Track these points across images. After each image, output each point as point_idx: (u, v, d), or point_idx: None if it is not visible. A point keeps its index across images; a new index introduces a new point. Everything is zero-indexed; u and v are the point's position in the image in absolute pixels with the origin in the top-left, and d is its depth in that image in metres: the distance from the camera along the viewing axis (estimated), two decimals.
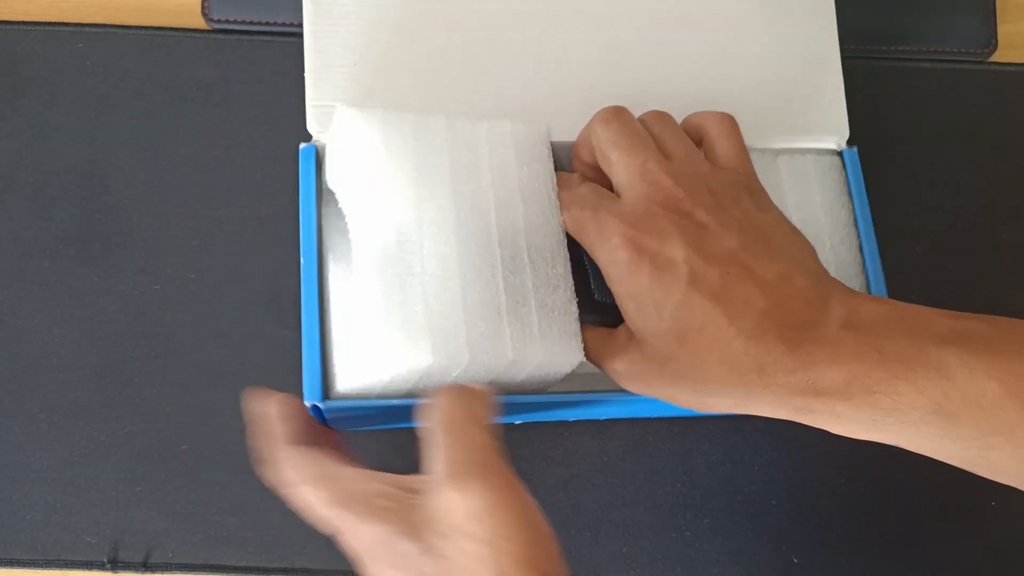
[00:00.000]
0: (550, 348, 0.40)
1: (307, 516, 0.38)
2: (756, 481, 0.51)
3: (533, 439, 0.51)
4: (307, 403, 0.40)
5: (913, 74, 0.55)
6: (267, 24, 0.55)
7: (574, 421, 0.51)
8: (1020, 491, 0.52)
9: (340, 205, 0.41)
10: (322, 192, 0.45)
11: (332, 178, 0.43)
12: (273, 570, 0.50)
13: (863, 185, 0.48)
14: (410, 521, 0.34)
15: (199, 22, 0.55)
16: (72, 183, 0.53)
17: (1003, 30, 0.56)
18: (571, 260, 0.42)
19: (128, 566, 0.50)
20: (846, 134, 0.49)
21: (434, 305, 0.38)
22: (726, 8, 0.50)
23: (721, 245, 0.37)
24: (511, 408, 0.43)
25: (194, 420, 0.51)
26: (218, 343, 0.52)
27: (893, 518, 0.51)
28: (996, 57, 0.56)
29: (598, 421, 0.51)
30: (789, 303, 0.37)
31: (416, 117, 0.41)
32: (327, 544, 0.51)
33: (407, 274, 0.38)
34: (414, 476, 0.36)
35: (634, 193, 0.39)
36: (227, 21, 0.55)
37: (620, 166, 0.40)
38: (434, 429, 0.35)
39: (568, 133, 0.44)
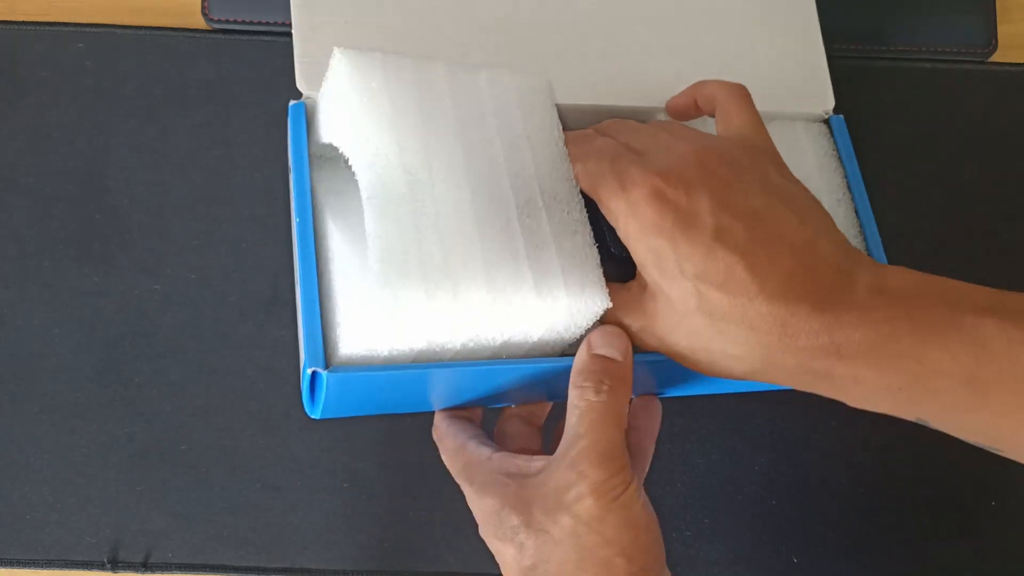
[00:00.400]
0: (576, 294, 0.37)
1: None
2: (756, 481, 0.51)
3: None
4: (308, 370, 0.37)
5: (913, 74, 0.55)
6: (267, 24, 0.55)
7: None
8: (1020, 491, 0.52)
9: (343, 153, 0.38)
10: (313, 154, 0.42)
11: (328, 131, 0.40)
12: (273, 570, 0.50)
13: (852, 151, 0.48)
14: (520, 497, 0.36)
15: (199, 22, 0.55)
16: (72, 183, 0.53)
17: (1003, 30, 0.56)
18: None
19: (128, 566, 0.50)
20: (832, 103, 0.49)
21: (451, 248, 0.36)
22: None
23: (747, 202, 0.36)
24: (518, 379, 0.41)
25: (194, 420, 0.51)
26: (218, 343, 0.52)
27: (893, 518, 0.51)
28: (996, 57, 0.56)
29: None
30: (817, 266, 0.36)
31: (415, 61, 0.39)
32: (327, 544, 0.51)
33: (420, 215, 0.36)
34: (542, 456, 0.37)
35: (660, 155, 0.38)
36: (227, 21, 0.55)
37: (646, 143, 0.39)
38: (582, 414, 0.36)
39: (565, 97, 0.43)
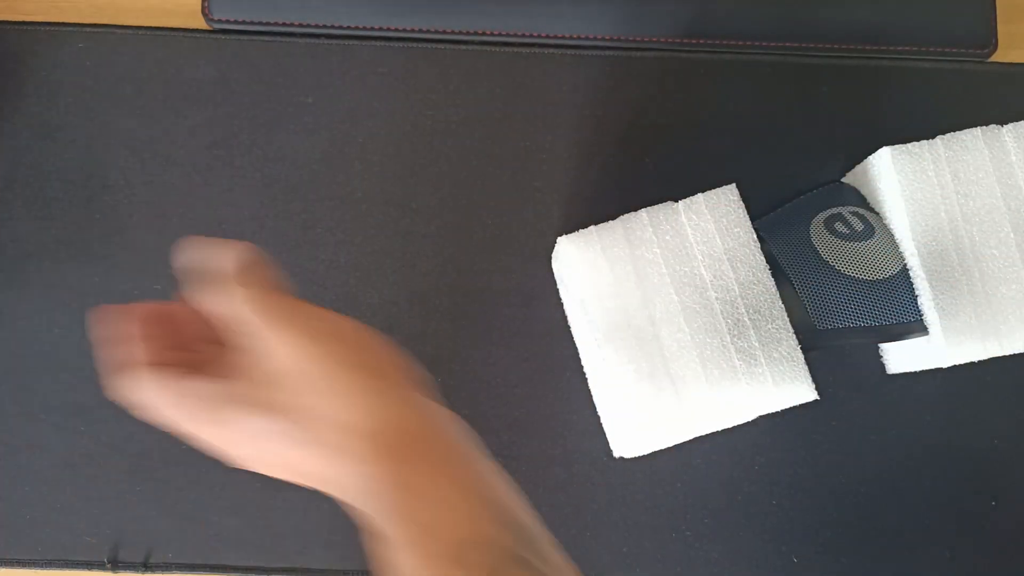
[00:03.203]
0: (786, 396, 0.45)
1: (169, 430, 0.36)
2: (756, 481, 0.51)
3: (533, 439, 0.52)
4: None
5: (913, 74, 0.55)
6: (267, 24, 0.55)
7: (574, 419, 0.51)
8: (1020, 491, 0.52)
9: (585, 315, 0.47)
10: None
11: (570, 300, 0.51)
12: (273, 570, 0.50)
13: None
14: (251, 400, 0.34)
15: (199, 22, 0.55)
16: (72, 183, 0.53)
17: (1003, 30, 0.56)
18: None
19: (128, 566, 0.50)
20: None
21: (680, 384, 0.45)
22: None
23: None
24: None
25: None
26: None
27: (893, 518, 0.51)
28: (996, 57, 0.56)
29: (598, 422, 0.51)
30: None
31: (622, 221, 0.47)
32: (327, 544, 0.51)
33: (653, 361, 0.45)
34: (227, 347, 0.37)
35: None
36: (227, 21, 0.55)
37: None
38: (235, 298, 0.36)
39: None
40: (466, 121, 0.54)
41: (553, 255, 0.51)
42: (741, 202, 0.47)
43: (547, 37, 0.54)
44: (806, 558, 0.51)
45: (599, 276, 0.46)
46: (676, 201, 0.47)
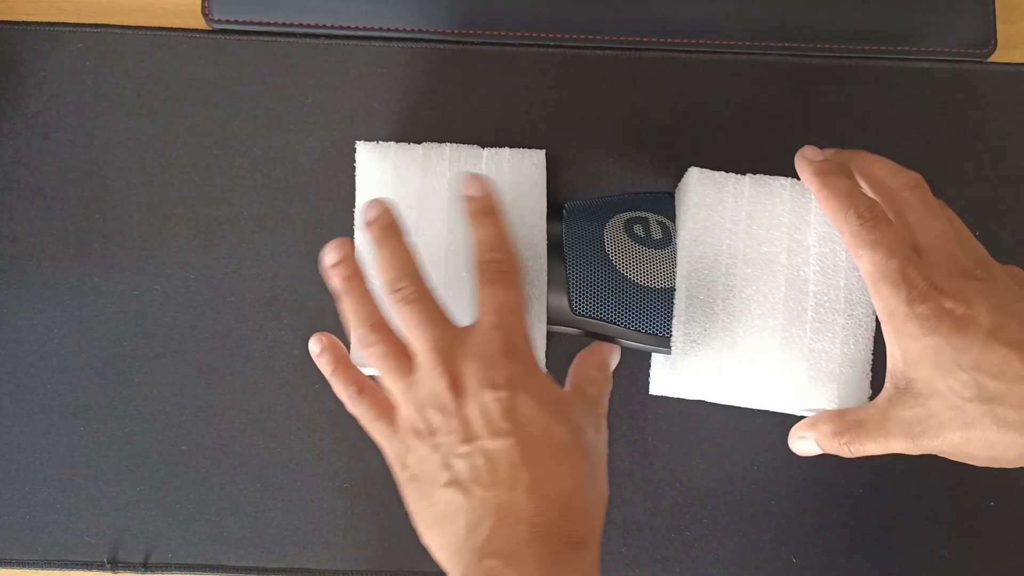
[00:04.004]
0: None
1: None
2: (756, 481, 0.51)
3: None
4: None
5: (913, 74, 0.55)
6: (267, 24, 0.55)
7: None
8: (1020, 491, 0.52)
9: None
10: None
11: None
12: (273, 570, 0.50)
13: None
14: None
15: (199, 22, 0.55)
16: (72, 183, 0.53)
17: (1003, 30, 0.56)
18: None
19: (128, 566, 0.50)
20: None
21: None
22: None
23: (1016, 305, 0.42)
24: None
25: (194, 420, 0.51)
26: (218, 343, 0.52)
27: (892, 518, 0.51)
28: (996, 57, 0.55)
29: None
30: None
31: (425, 147, 0.49)
32: (327, 544, 0.51)
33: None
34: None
35: (941, 259, 0.43)
36: (227, 21, 0.55)
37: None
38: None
39: None
40: (466, 121, 0.54)
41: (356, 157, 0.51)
42: (544, 170, 0.50)
43: (547, 37, 0.54)
44: (806, 558, 0.51)
45: (382, 190, 0.49)
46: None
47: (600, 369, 0.47)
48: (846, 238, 0.44)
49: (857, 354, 0.47)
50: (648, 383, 0.50)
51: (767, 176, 0.49)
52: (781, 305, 0.47)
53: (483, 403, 0.41)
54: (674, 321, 0.47)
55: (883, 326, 0.44)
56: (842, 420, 0.45)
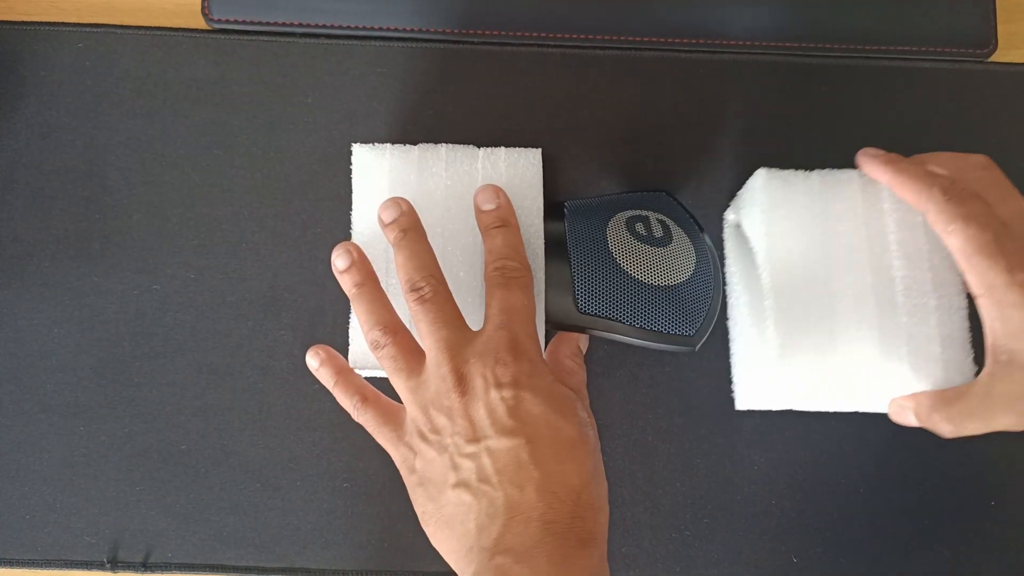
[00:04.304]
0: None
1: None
2: (756, 481, 0.51)
3: None
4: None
5: (913, 74, 0.55)
6: (267, 24, 0.55)
7: None
8: (1020, 491, 0.52)
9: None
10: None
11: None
12: (273, 570, 0.50)
13: None
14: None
15: (199, 22, 0.55)
16: (72, 183, 0.53)
17: (1003, 30, 0.56)
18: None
19: (128, 566, 0.50)
20: None
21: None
22: None
23: None
24: None
25: (194, 420, 0.51)
26: (218, 343, 0.52)
27: (893, 518, 0.51)
28: (996, 57, 0.55)
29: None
30: None
31: (421, 148, 0.49)
32: (327, 544, 0.51)
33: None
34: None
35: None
36: (227, 21, 0.55)
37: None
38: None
39: None
40: (466, 121, 0.54)
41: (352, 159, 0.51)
42: (540, 168, 0.50)
43: (547, 37, 0.54)
44: (806, 558, 0.51)
45: (379, 191, 0.49)
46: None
47: (574, 358, 0.47)
48: (932, 216, 0.43)
49: (955, 334, 0.45)
50: (648, 383, 0.50)
51: (834, 170, 0.48)
52: (872, 295, 0.45)
53: (489, 402, 0.41)
54: (768, 331, 0.45)
55: (979, 301, 0.42)
56: (942, 396, 0.43)
